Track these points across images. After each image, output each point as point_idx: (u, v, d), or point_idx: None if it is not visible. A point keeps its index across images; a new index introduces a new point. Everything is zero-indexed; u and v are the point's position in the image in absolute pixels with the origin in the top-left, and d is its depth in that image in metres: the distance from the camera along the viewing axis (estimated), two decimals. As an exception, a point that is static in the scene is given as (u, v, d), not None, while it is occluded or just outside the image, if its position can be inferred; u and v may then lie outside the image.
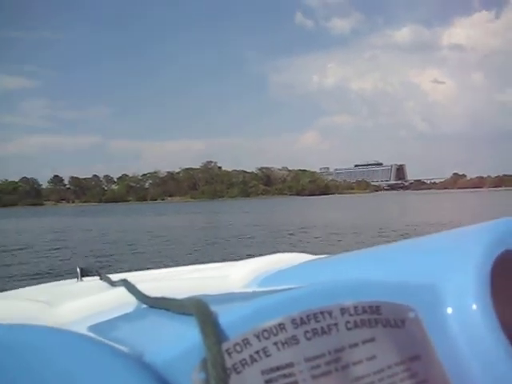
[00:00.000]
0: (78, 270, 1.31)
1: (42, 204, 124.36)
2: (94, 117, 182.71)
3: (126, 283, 0.85)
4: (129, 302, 0.78)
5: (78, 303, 0.82)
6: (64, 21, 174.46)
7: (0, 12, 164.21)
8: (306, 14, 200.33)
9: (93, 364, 0.44)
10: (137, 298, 0.77)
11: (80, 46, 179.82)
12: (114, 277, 1.09)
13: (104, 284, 1.07)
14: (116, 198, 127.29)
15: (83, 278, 1.30)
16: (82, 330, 0.61)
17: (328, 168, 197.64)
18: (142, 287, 0.80)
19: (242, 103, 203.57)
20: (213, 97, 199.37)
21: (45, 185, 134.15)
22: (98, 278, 1.19)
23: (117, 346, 0.50)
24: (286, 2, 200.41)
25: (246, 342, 0.48)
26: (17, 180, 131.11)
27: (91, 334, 0.57)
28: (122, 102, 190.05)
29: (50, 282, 1.40)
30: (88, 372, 0.43)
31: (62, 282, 1.37)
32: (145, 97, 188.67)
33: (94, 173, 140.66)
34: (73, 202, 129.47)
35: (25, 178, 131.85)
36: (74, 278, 1.33)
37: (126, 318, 0.73)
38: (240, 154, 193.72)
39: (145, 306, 0.73)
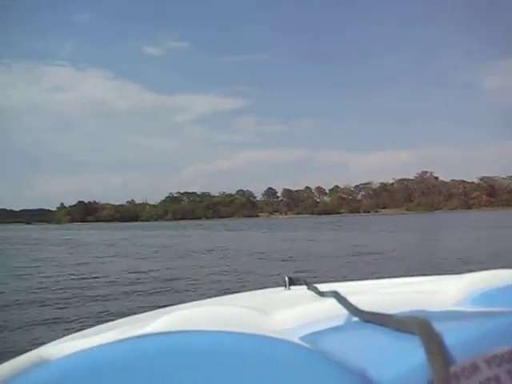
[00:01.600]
0: (286, 278, 1.33)
1: (256, 215, 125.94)
2: (300, 130, 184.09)
3: (336, 295, 0.84)
4: (340, 315, 0.76)
5: (289, 312, 0.83)
6: (267, 42, 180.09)
7: (221, 40, 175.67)
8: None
9: (314, 375, 0.44)
10: (349, 310, 0.75)
11: (282, 62, 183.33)
12: (321, 287, 1.10)
13: (312, 294, 1.07)
14: (328, 210, 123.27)
15: (291, 287, 1.32)
16: (296, 339, 0.60)
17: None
18: (352, 300, 0.78)
19: (448, 109, 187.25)
20: (416, 105, 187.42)
21: (258, 197, 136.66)
22: (305, 287, 1.20)
23: (335, 359, 0.48)
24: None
25: (474, 368, 0.44)
26: (233, 193, 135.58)
27: (306, 344, 0.55)
28: (327, 114, 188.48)
29: (260, 289, 1.48)
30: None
31: (270, 289, 1.42)
32: (347, 107, 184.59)
33: (306, 185, 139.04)
34: (285, 213, 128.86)
35: (241, 190, 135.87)
36: (282, 286, 1.36)
37: (338, 330, 0.71)
38: (452, 163, 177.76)
39: (357, 319, 0.71)
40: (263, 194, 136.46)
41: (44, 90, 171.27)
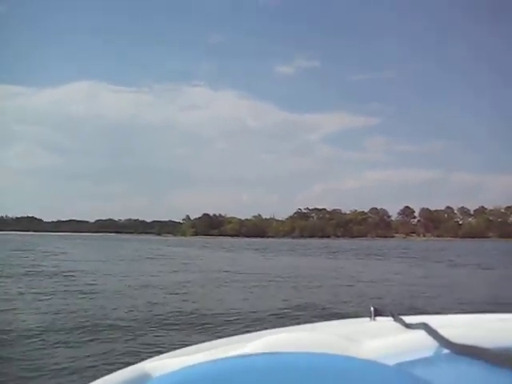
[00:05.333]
0: (372, 309, 1.32)
1: (392, 236, 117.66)
2: (432, 150, 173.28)
3: (426, 327, 0.83)
4: (430, 346, 0.75)
5: (377, 341, 0.83)
6: (399, 59, 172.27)
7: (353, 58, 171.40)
8: None
9: None
10: (439, 342, 0.74)
11: (414, 80, 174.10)
12: (407, 319, 1.09)
13: (398, 325, 1.06)
14: (473, 233, 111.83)
15: (376, 318, 1.30)
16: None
17: None
18: (442, 332, 0.77)
19: None
20: None
21: (394, 217, 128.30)
22: (391, 319, 1.19)
23: None
24: None
25: None
26: (366, 211, 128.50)
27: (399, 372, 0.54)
28: (462, 134, 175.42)
29: (344, 319, 1.44)
30: None
31: (355, 319, 1.40)
32: (482, 128, 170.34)
33: (443, 206, 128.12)
34: (423, 235, 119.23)
35: (374, 208, 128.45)
36: (367, 317, 1.34)
37: (429, 361, 0.70)
38: None
39: (448, 351, 0.70)
40: (399, 214, 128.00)
41: (181, 109, 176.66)
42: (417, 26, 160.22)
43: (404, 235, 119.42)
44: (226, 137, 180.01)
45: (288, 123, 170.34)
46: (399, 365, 0.68)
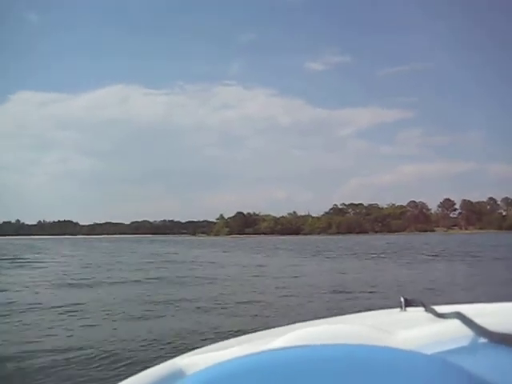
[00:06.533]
0: (402, 299, 1.29)
1: (432, 230, 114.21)
2: (466, 142, 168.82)
3: (459, 316, 0.81)
4: (465, 336, 0.73)
5: (410, 332, 0.81)
6: (430, 51, 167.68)
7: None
8: None
9: None
10: (475, 331, 0.72)
11: (446, 71, 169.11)
12: (439, 309, 1.06)
13: (430, 315, 1.04)
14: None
15: (407, 308, 1.27)
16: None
17: None
18: (477, 321, 0.75)
19: None
20: None
21: (433, 210, 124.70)
22: (422, 309, 1.16)
23: (473, 377, 0.46)
24: None
25: None
26: (404, 204, 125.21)
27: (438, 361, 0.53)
28: (497, 125, 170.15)
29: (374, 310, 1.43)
30: None
31: (386, 310, 1.38)
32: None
33: (483, 198, 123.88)
34: (466, 228, 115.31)
35: (413, 202, 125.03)
36: (397, 307, 1.31)
37: (467, 350, 0.68)
38: None
39: (485, 340, 0.68)
40: (439, 206, 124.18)
41: (213, 109, 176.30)
42: (444, 18, 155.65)
43: (445, 229, 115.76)
44: (258, 135, 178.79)
45: (320, 119, 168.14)
46: (438, 354, 0.66)
